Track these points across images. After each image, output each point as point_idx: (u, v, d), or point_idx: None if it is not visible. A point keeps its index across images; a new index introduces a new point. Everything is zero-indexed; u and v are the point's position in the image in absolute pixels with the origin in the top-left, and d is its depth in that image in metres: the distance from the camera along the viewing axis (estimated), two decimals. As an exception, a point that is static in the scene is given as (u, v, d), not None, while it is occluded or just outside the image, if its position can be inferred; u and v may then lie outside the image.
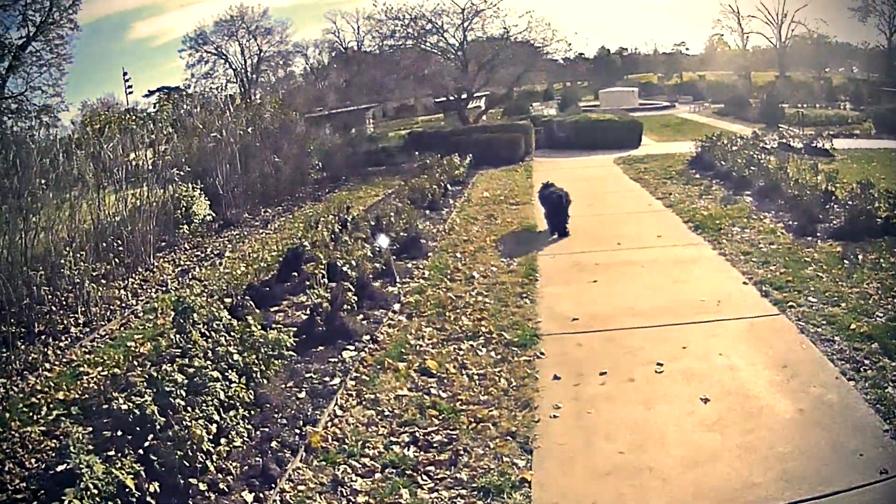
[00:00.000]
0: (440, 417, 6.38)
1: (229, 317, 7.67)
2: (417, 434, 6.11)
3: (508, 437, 5.95)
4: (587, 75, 77.83)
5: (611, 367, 7.30)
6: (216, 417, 5.62)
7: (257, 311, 9.18)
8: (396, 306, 9.78)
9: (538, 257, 11.99)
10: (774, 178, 15.79)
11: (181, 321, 7.45)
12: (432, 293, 10.22)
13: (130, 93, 19.71)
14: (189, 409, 5.52)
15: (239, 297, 9.50)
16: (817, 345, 7.39)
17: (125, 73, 19.18)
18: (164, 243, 15.47)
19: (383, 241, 10.99)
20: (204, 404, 5.64)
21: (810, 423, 5.85)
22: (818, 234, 12.11)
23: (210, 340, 6.89)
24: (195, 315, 7.45)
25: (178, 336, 7.19)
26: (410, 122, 52.74)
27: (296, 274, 11.38)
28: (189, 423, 5.24)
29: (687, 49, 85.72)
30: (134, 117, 20.02)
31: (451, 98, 32.10)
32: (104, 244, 12.92)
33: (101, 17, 79.70)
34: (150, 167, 16.80)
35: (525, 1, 58.63)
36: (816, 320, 8.05)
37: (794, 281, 9.59)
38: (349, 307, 9.06)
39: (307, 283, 9.86)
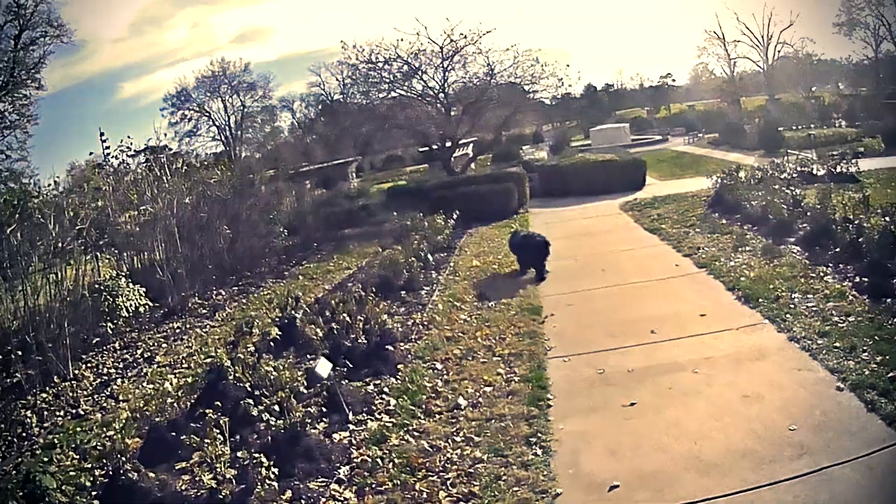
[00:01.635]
0: None
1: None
2: None
3: None
4: (575, 114, 75.77)
5: None
6: None
7: (151, 475, 6.20)
8: (343, 470, 6.40)
9: (547, 362, 8.62)
10: (821, 219, 12.52)
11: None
12: (398, 443, 6.81)
13: (108, 152, 16.92)
14: None
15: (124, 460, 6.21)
16: None
17: (102, 134, 16.04)
18: (98, 339, 12.82)
19: (324, 367, 7.53)
20: None
21: None
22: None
23: None
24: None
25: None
26: (398, 173, 49.91)
27: (219, 403, 7.98)
28: None
29: (673, 80, 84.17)
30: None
31: (435, 147, 28.64)
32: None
33: (88, 77, 78.25)
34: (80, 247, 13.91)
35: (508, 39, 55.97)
36: None
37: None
38: (268, 482, 5.75)
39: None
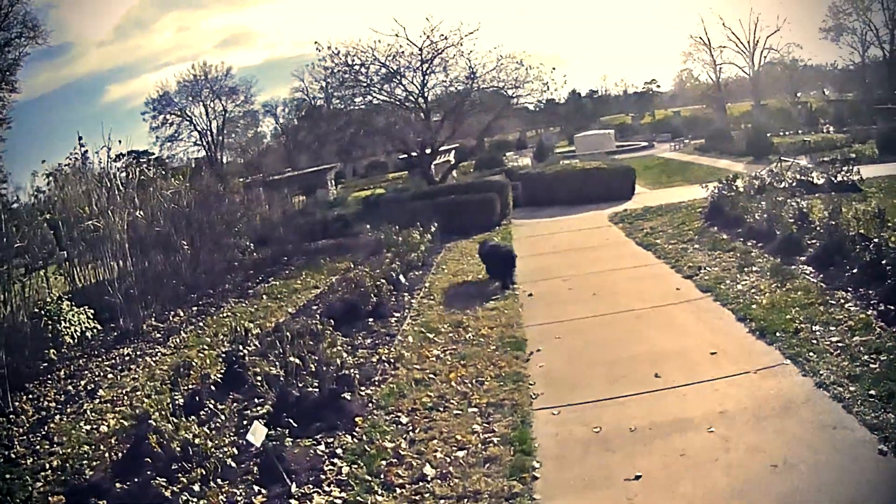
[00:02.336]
0: None
1: None
2: None
3: None
4: (559, 120, 74.43)
5: None
6: None
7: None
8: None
9: (533, 414, 7.14)
10: (834, 235, 11.23)
11: None
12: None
13: (86, 156, 15.60)
14: None
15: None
16: None
17: (80, 138, 14.57)
18: (45, 364, 11.69)
19: (258, 434, 6.01)
20: None
21: None
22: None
23: None
24: None
25: None
26: (380, 179, 48.43)
27: (150, 459, 6.54)
28: None
29: (658, 86, 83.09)
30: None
31: (414, 154, 26.96)
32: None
33: (74, 80, 76.36)
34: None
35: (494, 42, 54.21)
36: None
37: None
38: None
39: None
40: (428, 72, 25.60)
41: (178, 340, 12.72)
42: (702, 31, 67.63)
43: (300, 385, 7.45)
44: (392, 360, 9.02)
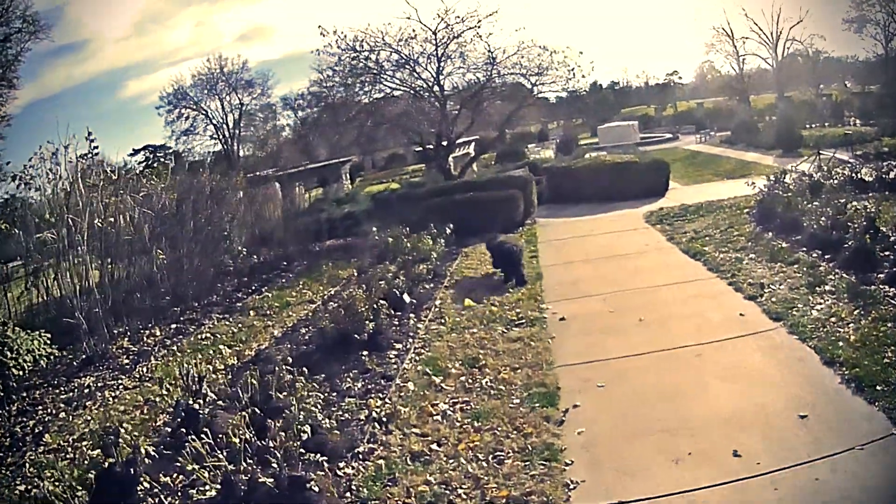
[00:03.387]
0: None
1: None
2: None
3: None
4: (580, 112, 71.74)
5: None
6: None
7: None
8: None
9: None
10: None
11: None
12: None
13: (97, 154, 13.70)
14: None
15: None
16: None
17: (90, 134, 12.56)
18: None
19: None
20: None
21: None
22: None
23: None
24: None
25: None
26: (399, 172, 46.11)
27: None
28: None
29: (680, 78, 79.83)
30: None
31: (429, 147, 24.41)
32: None
33: (91, 76, 74.98)
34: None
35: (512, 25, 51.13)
36: None
37: None
38: None
39: None
40: (443, 57, 22.96)
41: (145, 369, 10.55)
42: (724, 22, 64.71)
43: (249, 472, 5.22)
44: (384, 419, 6.72)
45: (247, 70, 59.29)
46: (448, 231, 14.89)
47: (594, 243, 15.12)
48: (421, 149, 24.56)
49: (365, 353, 8.66)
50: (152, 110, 73.28)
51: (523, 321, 9.71)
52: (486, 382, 7.52)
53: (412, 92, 23.93)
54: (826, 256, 10.71)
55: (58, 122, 15.28)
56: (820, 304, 8.74)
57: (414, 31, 22.40)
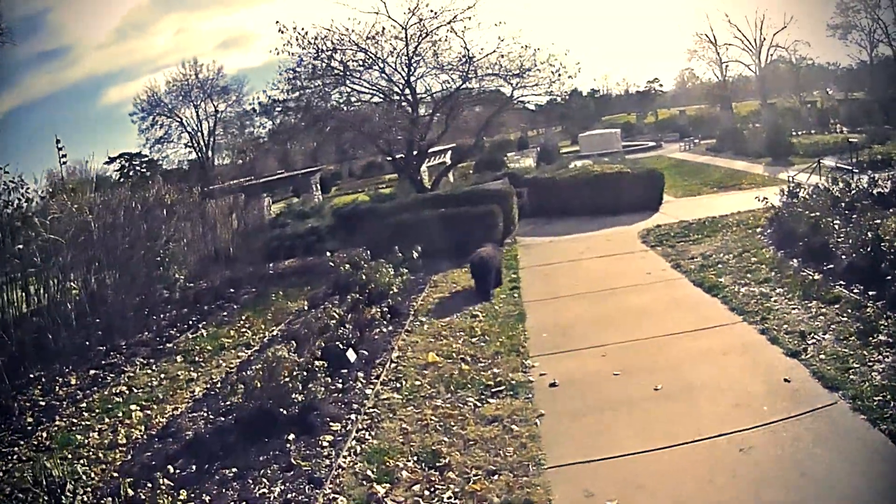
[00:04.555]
0: None
1: None
2: None
3: None
4: (561, 119, 69.91)
5: None
6: None
7: None
8: None
9: None
10: None
11: None
12: None
13: (64, 162, 11.57)
14: None
15: None
16: None
17: (58, 141, 10.28)
18: None
19: None
20: None
21: None
22: None
23: None
24: None
25: None
26: (376, 181, 43.90)
27: None
28: None
29: (661, 86, 78.23)
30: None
31: (399, 157, 21.72)
32: None
33: (72, 82, 72.32)
34: None
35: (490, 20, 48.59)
36: None
37: None
38: None
39: None
40: (414, 56, 20.40)
41: (44, 436, 8.11)
42: (707, 29, 63.19)
43: None
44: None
45: (222, 76, 56.90)
46: (415, 255, 12.56)
47: (586, 271, 12.75)
48: (391, 159, 21.96)
49: (291, 437, 6.29)
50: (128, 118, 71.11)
51: (502, 387, 7.31)
52: (449, 499, 5.17)
53: (381, 96, 21.38)
54: (869, 293, 8.53)
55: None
56: (879, 362, 6.58)
57: (383, 27, 19.92)
